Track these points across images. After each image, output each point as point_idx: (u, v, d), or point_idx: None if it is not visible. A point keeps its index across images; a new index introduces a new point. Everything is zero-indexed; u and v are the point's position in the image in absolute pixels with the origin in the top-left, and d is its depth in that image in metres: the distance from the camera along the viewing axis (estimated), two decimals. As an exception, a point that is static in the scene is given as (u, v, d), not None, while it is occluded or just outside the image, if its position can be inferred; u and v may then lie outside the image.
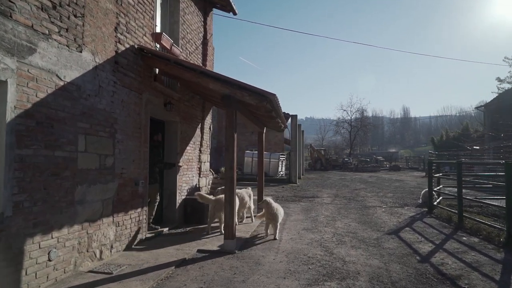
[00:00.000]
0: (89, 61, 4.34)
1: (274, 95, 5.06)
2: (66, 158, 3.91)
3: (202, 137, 8.76)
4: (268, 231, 6.35)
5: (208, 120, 9.23)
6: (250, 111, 6.80)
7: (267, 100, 5.11)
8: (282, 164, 23.70)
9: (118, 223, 4.99)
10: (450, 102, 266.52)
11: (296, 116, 19.96)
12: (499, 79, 53.39)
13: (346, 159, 40.23)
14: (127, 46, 5.23)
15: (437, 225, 7.74)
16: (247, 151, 23.66)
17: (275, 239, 6.15)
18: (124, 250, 5.15)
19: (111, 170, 4.79)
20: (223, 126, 31.27)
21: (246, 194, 7.42)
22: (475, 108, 36.03)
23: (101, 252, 4.57)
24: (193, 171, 8.19)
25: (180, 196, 7.39)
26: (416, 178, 25.28)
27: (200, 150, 8.64)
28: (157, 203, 6.53)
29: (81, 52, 4.18)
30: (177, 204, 7.24)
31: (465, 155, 33.74)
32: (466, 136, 41.99)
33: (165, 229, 6.59)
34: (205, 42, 8.97)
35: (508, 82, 52.13)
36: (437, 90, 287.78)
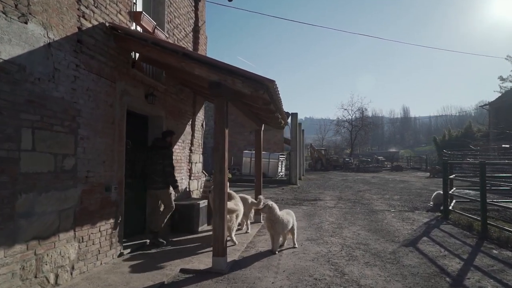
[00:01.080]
0: (38, 36, 3.42)
1: (273, 81, 4.16)
2: (1, 159, 3.00)
3: (193, 135, 7.85)
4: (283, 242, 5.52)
5: (200, 116, 8.32)
6: (245, 104, 5.89)
7: (264, 89, 4.21)
8: (281, 164, 22.80)
9: (82, 239, 4.08)
10: (450, 102, 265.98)
11: (296, 114, 19.07)
12: (501, 78, 52.60)
13: (347, 159, 39.36)
14: (95, 23, 4.32)
15: (457, 233, 6.84)
16: (246, 151, 22.75)
17: (274, 253, 5.25)
18: (91, 271, 4.24)
19: (71, 173, 3.88)
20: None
21: (241, 201, 6.51)
22: (479, 106, 35.16)
23: (56, 276, 3.66)
24: (182, 173, 7.27)
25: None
26: (421, 178, 24.38)
27: (190, 150, 7.73)
28: (172, 210, 5.95)
29: (25, 23, 3.27)
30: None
31: (471, 155, 33.03)
32: (470, 135, 41.21)
33: (148, 241, 5.68)
34: (196, 30, 8.06)
35: (511, 81, 51.46)
36: (437, 90, 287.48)
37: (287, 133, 27.40)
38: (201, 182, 8.31)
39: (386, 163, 43.40)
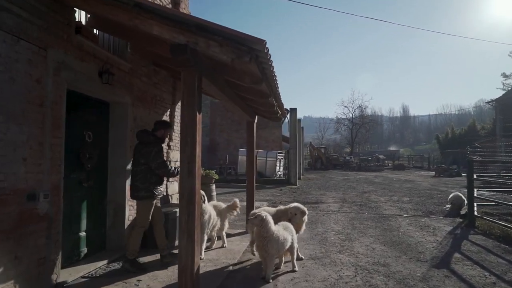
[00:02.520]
0: None
1: (262, 42, 2.85)
2: None
3: (172, 129, 6.54)
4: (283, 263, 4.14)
5: (182, 106, 7.02)
6: (229, 84, 4.57)
7: (250, 54, 2.91)
8: (280, 163, 21.49)
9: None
10: (450, 100, 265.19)
11: (295, 109, 17.76)
12: (504, 75, 51.75)
13: (347, 158, 38.13)
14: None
15: (494, 248, 5.56)
16: (241, 149, 21.40)
17: (267, 282, 3.95)
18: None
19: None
20: (217, 123, 29.05)
21: (213, 209, 5.11)
22: (485, 103, 33.98)
23: None
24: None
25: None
26: (426, 178, 23.14)
27: (169, 146, 6.42)
28: (143, 230, 4.42)
29: None
30: (126, 223, 5.02)
31: (476, 153, 31.84)
32: (473, 132, 40.05)
33: (103, 263, 4.38)
34: None
35: (514, 78, 50.39)
36: (436, 88, 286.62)
37: (285, 131, 26.14)
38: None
39: (387, 162, 42.25)
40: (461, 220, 8.13)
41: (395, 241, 5.93)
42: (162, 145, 4.61)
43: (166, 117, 6.35)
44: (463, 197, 9.66)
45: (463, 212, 8.95)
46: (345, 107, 48.70)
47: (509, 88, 43.59)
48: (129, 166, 4.99)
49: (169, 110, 6.49)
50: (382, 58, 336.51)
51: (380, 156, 46.64)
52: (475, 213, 7.40)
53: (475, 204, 8.27)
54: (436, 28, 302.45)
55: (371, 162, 37.71)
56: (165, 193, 6.32)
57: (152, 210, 4.40)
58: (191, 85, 3.16)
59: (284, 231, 4.14)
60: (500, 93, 43.59)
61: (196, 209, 3.12)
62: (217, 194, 13.61)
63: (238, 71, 3.65)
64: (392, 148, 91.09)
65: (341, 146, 58.55)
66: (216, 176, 6.58)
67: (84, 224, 4.43)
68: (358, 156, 44.47)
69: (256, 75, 3.54)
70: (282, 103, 5.71)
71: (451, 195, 9.70)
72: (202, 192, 4.38)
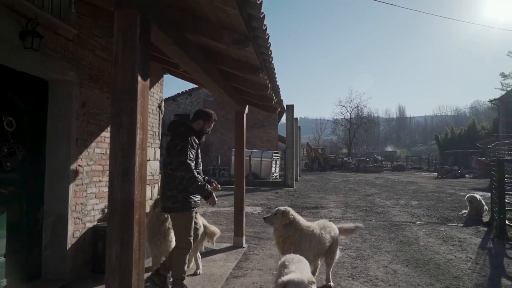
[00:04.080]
0: None
1: None
2: None
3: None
4: None
5: (156, 93, 5.79)
6: (204, 51, 3.35)
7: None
8: (276, 164, 20.27)
9: None
10: (445, 101, 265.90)
11: (292, 106, 16.57)
12: (503, 75, 51.14)
13: (346, 159, 37.03)
14: None
15: (546, 269, 4.39)
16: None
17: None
18: None
19: None
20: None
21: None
22: (488, 101, 33.04)
23: None
24: (121, 176, 4.73)
25: (81, 224, 3.93)
26: (429, 179, 22.04)
27: (137, 141, 5.19)
28: (187, 251, 3.35)
29: None
30: (71, 241, 3.77)
31: (476, 153, 30.93)
32: (473, 133, 39.14)
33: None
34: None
35: (512, 78, 49.85)
36: (432, 89, 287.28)
37: (281, 131, 24.99)
38: (157, 188, 5.78)
39: (384, 163, 41.24)
40: (485, 228, 6.98)
41: (419, 260, 4.74)
42: (198, 141, 3.44)
43: (134, 106, 5.13)
44: (482, 200, 8.52)
45: (485, 219, 7.81)
46: (343, 106, 47.63)
47: (509, 88, 42.88)
48: (74, 166, 3.76)
49: (138, 97, 5.27)
50: (378, 59, 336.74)
51: (378, 157, 45.66)
52: (487, 218, 6.23)
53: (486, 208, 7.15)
54: (424, 30, 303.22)
55: (370, 163, 36.63)
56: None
57: (192, 225, 3.33)
58: (128, 31, 1.94)
59: (322, 230, 3.49)
60: (498, 93, 42.95)
61: (136, 235, 1.90)
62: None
63: (214, 23, 2.45)
64: (389, 149, 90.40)
65: (338, 147, 57.53)
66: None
67: (1, 246, 3.18)
68: (356, 157, 43.42)
69: (240, 29, 2.33)
70: (277, 85, 4.51)
71: (469, 199, 8.52)
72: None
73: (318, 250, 3.40)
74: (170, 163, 3.20)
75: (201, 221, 3.98)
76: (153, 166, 5.71)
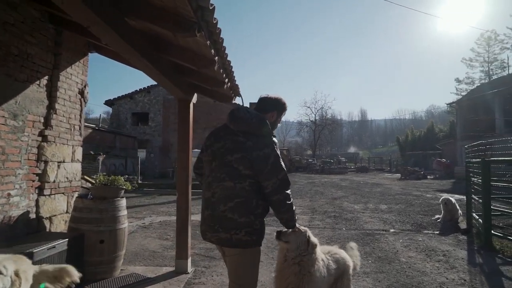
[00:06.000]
0: None
1: None
2: None
3: (51, 108, 4.00)
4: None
5: (76, 76, 4.47)
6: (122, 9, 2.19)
7: None
8: (238, 166, 19.11)
9: None
10: (403, 105, 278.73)
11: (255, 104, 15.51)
12: (457, 80, 53.86)
13: (310, 160, 36.73)
14: None
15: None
16: (195, 150, 18.74)
17: None
18: None
19: None
20: (170, 121, 25.83)
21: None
22: (446, 104, 34.08)
23: None
24: (12, 183, 3.41)
25: None
26: (393, 181, 21.97)
27: (42, 135, 3.87)
28: None
29: None
30: None
31: (434, 155, 31.78)
32: (432, 135, 40.46)
33: None
34: None
35: (466, 83, 52.65)
36: (392, 94, 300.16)
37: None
38: (74, 199, 4.44)
39: (348, 164, 41.57)
40: (464, 237, 6.32)
41: (406, 285, 3.82)
42: None
43: (37, 88, 3.80)
44: (456, 204, 7.94)
45: (462, 225, 7.18)
46: (308, 107, 47.49)
47: (463, 93, 44.98)
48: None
49: (46, 76, 3.94)
50: (341, 62, 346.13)
51: (342, 158, 46.02)
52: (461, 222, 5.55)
53: (474, 216, 6.51)
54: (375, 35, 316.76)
55: (334, 164, 36.61)
56: (36, 216, 3.77)
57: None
58: None
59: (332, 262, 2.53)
60: (454, 98, 44.92)
61: None
62: (162, 204, 11.05)
63: None
64: (352, 150, 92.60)
65: (303, 148, 57.57)
66: (127, 186, 4.12)
67: None
68: (321, 158, 43.41)
69: None
70: (229, 62, 3.40)
71: (443, 203, 7.88)
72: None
73: None
74: (248, 176, 2.11)
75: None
76: (71, 169, 4.39)
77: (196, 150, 16.28)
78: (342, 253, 2.76)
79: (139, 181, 17.40)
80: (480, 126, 24.11)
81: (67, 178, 4.31)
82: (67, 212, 4.30)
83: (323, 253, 2.50)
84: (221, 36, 2.62)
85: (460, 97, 38.03)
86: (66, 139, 4.28)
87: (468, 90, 37.05)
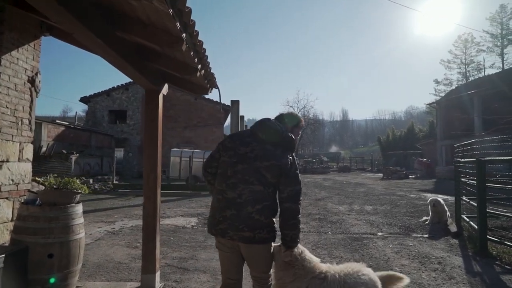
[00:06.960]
0: None
1: None
2: None
3: None
4: None
5: (24, 61, 3.81)
6: None
7: None
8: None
9: None
10: (383, 106, 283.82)
11: (238, 102, 15.00)
12: (436, 81, 54.89)
13: (293, 160, 36.45)
14: None
15: None
16: (174, 149, 18.05)
17: None
18: None
19: None
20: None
21: None
22: (426, 104, 34.49)
23: None
24: None
25: None
26: (375, 180, 21.90)
27: (-22, 131, 3.21)
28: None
29: None
30: None
31: (415, 154, 32.16)
32: (412, 135, 40.99)
33: None
34: None
35: (445, 84, 53.76)
36: (372, 94, 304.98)
37: (227, 131, 23.35)
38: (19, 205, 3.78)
39: (330, 163, 41.61)
40: (456, 241, 6.00)
41: (403, 301, 3.39)
42: None
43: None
44: (445, 205, 7.67)
45: (451, 228, 6.88)
46: (290, 107, 47.16)
47: (441, 94, 45.87)
48: None
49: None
50: (323, 62, 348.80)
51: (324, 158, 46.05)
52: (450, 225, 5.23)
53: (464, 218, 6.21)
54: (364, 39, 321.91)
55: (316, 164, 36.49)
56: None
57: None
58: None
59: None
60: (432, 99, 45.74)
61: None
62: (136, 206, 10.26)
63: None
64: (333, 150, 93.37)
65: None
66: (84, 189, 3.51)
67: None
68: (303, 158, 43.24)
69: None
70: (201, 44, 2.86)
71: (431, 205, 7.58)
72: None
73: None
74: (273, 184, 2.32)
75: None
76: (18, 170, 3.74)
77: (174, 149, 15.46)
78: (371, 274, 2.30)
79: (115, 182, 16.55)
80: (460, 126, 24.44)
81: (12, 180, 3.66)
82: (12, 220, 3.65)
83: (343, 272, 2.21)
84: (187, 5, 2.08)
85: (439, 97, 38.65)
86: (11, 135, 3.64)
87: (447, 91, 37.74)
